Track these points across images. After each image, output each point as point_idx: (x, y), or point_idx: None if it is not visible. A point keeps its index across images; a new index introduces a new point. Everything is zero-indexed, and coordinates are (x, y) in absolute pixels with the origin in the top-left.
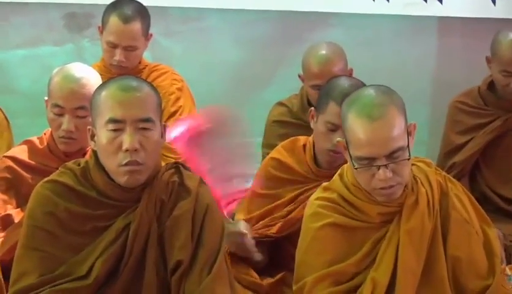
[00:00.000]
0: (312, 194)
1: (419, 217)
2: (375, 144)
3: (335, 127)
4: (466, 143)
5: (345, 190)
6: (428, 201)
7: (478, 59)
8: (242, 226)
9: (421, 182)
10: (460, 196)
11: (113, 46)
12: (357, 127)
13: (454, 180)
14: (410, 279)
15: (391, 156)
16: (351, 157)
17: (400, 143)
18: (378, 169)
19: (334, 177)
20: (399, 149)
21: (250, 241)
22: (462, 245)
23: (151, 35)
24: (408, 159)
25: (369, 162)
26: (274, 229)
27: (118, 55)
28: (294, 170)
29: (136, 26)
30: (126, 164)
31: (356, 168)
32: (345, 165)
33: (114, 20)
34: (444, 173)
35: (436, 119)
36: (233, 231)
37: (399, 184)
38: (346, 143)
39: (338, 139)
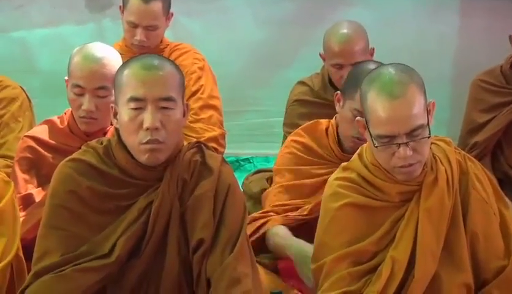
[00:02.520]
0: None
1: (439, 195)
2: (396, 122)
3: (362, 115)
4: (488, 121)
5: (364, 169)
6: (447, 179)
7: (501, 38)
8: None
9: (440, 161)
10: (479, 176)
11: (134, 26)
12: (377, 105)
13: (473, 159)
14: (429, 257)
15: (412, 134)
16: (371, 135)
17: (420, 121)
18: (398, 147)
19: (353, 157)
20: (420, 127)
21: None
22: (481, 223)
23: (172, 14)
24: (429, 137)
25: (390, 140)
26: (305, 211)
27: (139, 35)
28: (318, 153)
29: (157, 5)
30: (147, 142)
31: (376, 147)
32: (364, 145)
33: (134, 0)
34: (463, 152)
35: (457, 99)
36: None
37: (418, 162)
38: (366, 122)
39: (358, 118)
